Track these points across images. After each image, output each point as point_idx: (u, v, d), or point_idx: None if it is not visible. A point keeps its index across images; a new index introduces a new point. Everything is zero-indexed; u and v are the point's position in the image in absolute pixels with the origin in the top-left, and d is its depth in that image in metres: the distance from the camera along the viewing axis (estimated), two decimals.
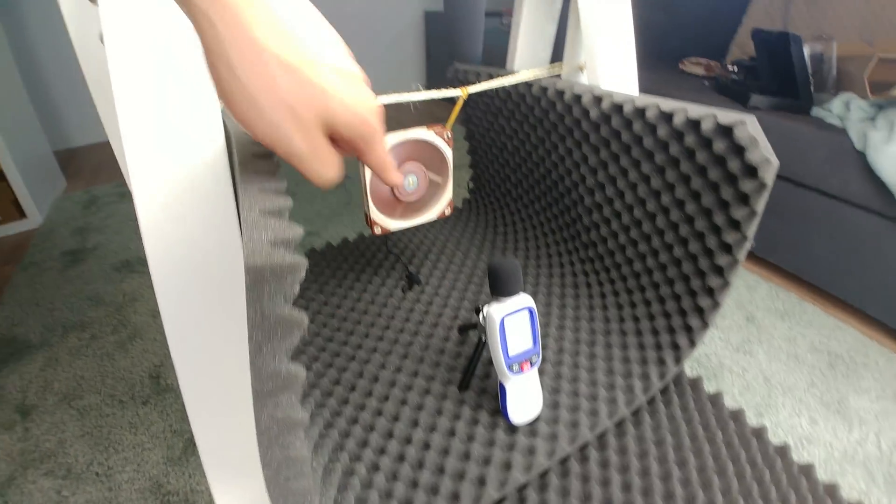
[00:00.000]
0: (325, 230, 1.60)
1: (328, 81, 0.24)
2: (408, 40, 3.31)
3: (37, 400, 1.01)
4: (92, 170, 2.24)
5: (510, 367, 0.54)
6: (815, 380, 1.10)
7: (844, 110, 1.29)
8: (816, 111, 1.35)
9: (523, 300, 0.54)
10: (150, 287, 1.32)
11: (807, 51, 1.36)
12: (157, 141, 0.42)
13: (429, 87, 3.26)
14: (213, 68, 0.23)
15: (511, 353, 0.54)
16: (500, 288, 0.53)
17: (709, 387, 1.08)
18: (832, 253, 1.32)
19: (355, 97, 0.26)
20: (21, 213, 1.74)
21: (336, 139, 0.27)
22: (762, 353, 1.20)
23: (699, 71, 1.78)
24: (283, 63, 0.23)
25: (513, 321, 0.54)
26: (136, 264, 1.43)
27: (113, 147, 0.57)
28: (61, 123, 2.54)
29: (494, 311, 0.53)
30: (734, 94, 1.44)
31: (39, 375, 1.07)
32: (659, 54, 2.05)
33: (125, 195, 1.92)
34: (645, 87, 0.72)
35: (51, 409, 0.99)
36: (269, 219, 0.24)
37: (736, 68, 1.55)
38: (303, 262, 0.23)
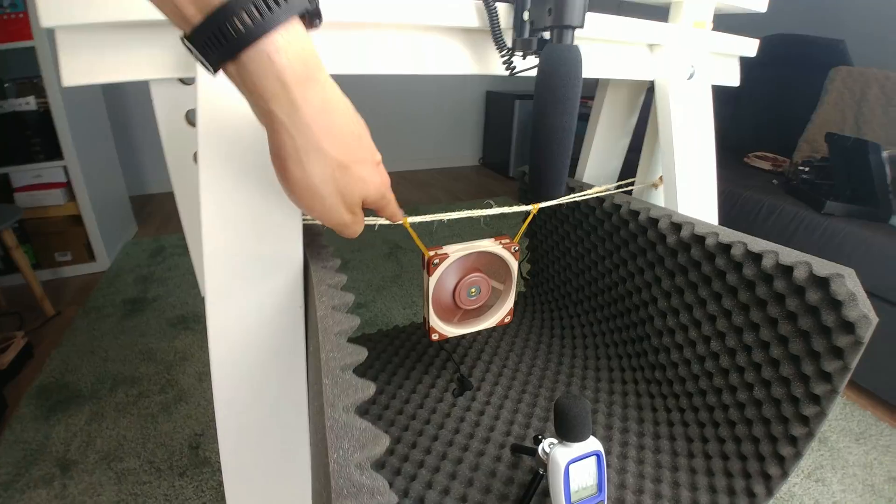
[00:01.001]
0: (373, 302, 1.61)
1: (367, 174, 0.34)
2: (469, 116, 3.47)
3: (78, 456, 1.02)
4: (163, 218, 2.37)
5: None
6: None
7: None
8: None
9: (591, 444, 0.50)
10: (201, 347, 1.35)
11: (885, 154, 1.30)
12: (237, 257, 0.43)
13: (484, 159, 3.35)
14: (283, 164, 0.31)
15: (574, 500, 0.50)
16: (568, 433, 0.49)
17: None
18: None
19: (382, 181, 0.36)
20: (91, 256, 1.84)
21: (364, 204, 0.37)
22: (836, 481, 1.09)
23: (766, 166, 1.73)
24: (341, 164, 0.31)
25: (579, 467, 0.50)
26: (190, 321, 1.47)
27: (186, 233, 0.59)
28: (140, 169, 2.71)
29: (560, 456, 0.49)
30: (807, 197, 1.38)
31: (84, 429, 1.08)
32: (723, 146, 2.01)
33: None
34: None
35: (91, 467, 0.99)
36: (355, 424, 0.23)
37: (807, 168, 1.50)
38: (392, 499, 0.21)
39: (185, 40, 0.27)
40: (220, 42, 0.25)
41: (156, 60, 0.42)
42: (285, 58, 0.26)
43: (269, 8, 0.25)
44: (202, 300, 0.43)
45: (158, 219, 2.36)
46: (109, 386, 1.21)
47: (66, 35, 0.39)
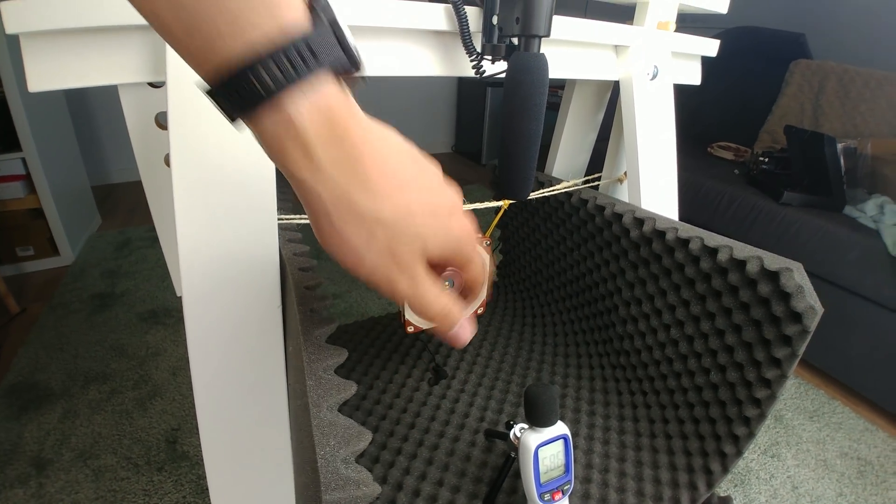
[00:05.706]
0: (348, 293, 1.62)
1: (423, 226, 0.26)
2: (441, 102, 3.44)
3: (53, 454, 1.01)
4: (128, 209, 2.31)
5: (541, 497, 0.53)
6: (843, 489, 1.07)
7: (878, 213, 1.28)
8: (849, 210, 1.35)
9: (559, 429, 0.53)
10: (174, 341, 1.34)
11: (840, 146, 1.36)
12: (213, 261, 0.44)
13: (457, 146, 3.33)
14: (317, 223, 0.26)
15: (543, 480, 0.53)
16: (537, 419, 0.52)
17: (736, 496, 1.04)
18: (863, 354, 1.29)
19: (448, 233, 0.28)
20: (55, 250, 1.78)
21: (437, 262, 0.29)
22: (790, 456, 1.16)
23: (728, 156, 1.80)
24: (380, 221, 0.25)
25: (547, 450, 0.53)
26: (161, 315, 1.45)
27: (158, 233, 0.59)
28: (102, 158, 2.61)
29: (529, 440, 0.52)
30: (766, 188, 1.45)
31: (57, 428, 1.07)
32: (687, 135, 2.07)
33: (158, 240, 1.97)
34: None
35: (66, 465, 0.99)
36: (339, 422, 0.25)
37: (767, 159, 1.57)
38: (376, 489, 0.23)
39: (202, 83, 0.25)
40: (236, 95, 0.23)
41: (124, 65, 0.42)
42: (307, 118, 0.23)
43: (292, 66, 0.22)
44: (172, 294, 0.44)
45: (123, 210, 2.30)
46: (81, 383, 1.19)
47: (30, 41, 0.39)
